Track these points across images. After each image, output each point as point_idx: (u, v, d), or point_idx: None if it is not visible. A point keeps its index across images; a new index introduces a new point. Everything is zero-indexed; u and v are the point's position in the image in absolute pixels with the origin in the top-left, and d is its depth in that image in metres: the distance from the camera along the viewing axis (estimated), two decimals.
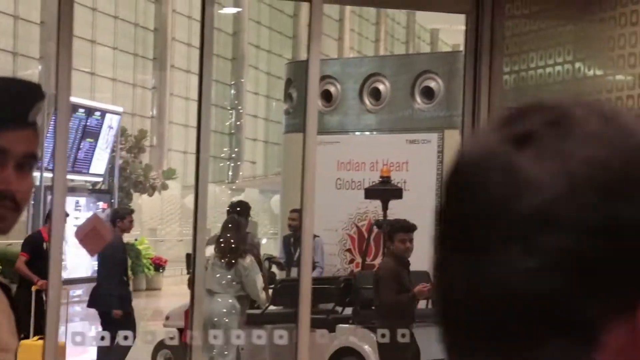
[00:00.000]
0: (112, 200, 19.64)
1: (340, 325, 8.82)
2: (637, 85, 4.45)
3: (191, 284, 4.83)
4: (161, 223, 27.98)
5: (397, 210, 9.85)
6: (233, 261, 8.36)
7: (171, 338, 5.17)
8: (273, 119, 36.46)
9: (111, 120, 19.30)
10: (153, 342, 8.69)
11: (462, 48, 6.48)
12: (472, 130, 5.57)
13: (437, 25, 41.75)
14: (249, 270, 8.35)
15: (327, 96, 11.27)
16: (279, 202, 12.96)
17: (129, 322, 9.28)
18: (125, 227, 9.86)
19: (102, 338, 5.88)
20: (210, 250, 8.26)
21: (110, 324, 8.81)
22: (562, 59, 4.98)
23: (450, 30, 35.35)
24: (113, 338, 6.29)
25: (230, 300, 8.33)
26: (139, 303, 19.43)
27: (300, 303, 4.96)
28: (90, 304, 9.88)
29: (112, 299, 9.44)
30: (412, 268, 9.04)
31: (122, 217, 9.89)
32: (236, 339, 7.09)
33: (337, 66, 11.80)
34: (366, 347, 8.65)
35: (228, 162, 34.39)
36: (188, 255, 10.22)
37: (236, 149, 34.83)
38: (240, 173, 34.91)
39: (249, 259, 8.45)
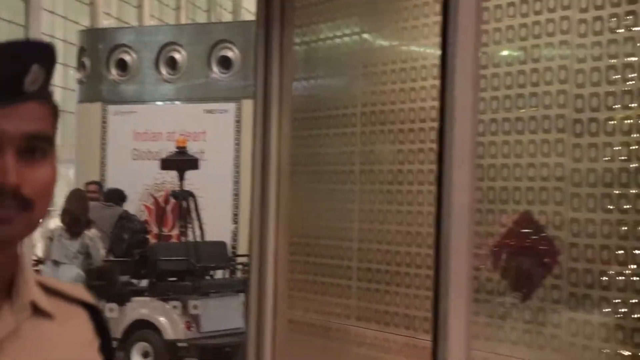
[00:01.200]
0: None
1: (136, 297, 8.70)
2: (420, 57, 4.59)
3: None
4: None
5: (194, 180, 9.80)
6: (78, 232, 8.48)
7: None
8: (70, 88, 35.36)
9: None
10: None
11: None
12: (263, 101, 5.59)
13: None
14: (94, 242, 8.58)
15: (122, 65, 11.04)
16: (74, 172, 12.60)
17: None
18: None
19: None
20: (55, 222, 8.54)
21: None
22: (350, 31, 5.08)
23: None
24: None
25: (76, 271, 8.45)
26: None
27: None
28: None
29: None
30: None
31: None
32: None
33: (133, 35, 11.57)
34: (161, 318, 8.58)
35: None
36: None
37: None
38: None
39: (93, 231, 8.65)
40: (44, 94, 1.26)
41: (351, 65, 4.90)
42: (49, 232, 8.89)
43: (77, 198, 8.89)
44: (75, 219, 8.63)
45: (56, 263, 8.55)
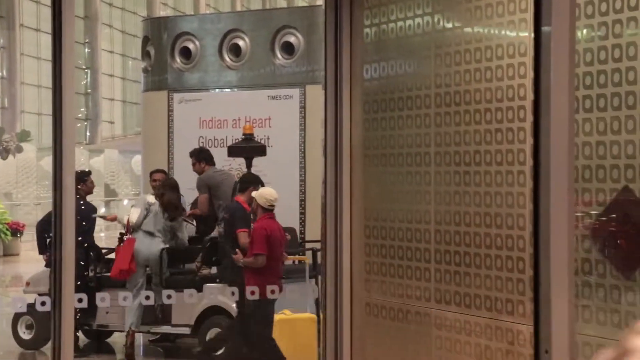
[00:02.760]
0: None
1: (208, 284, 8.76)
2: (494, 36, 4.53)
3: (57, 249, 4.62)
4: (16, 187, 27.13)
5: (261, 166, 9.83)
6: (174, 217, 9.31)
7: (42, 303, 5.02)
8: (130, 78, 35.70)
9: None
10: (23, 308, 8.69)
11: (319, 2, 6.46)
12: (334, 86, 5.58)
13: None
14: (181, 225, 9.50)
15: (186, 53, 11.10)
16: (141, 161, 12.71)
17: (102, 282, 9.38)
18: (88, 188, 9.93)
19: (80, 300, 5.67)
20: (151, 198, 9.30)
21: (86, 286, 9.01)
22: (421, 11, 5.02)
23: None
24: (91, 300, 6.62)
25: (162, 245, 9.23)
26: None
27: (64, 266, 4.65)
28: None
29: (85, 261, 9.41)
30: None
31: (84, 180, 9.84)
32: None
33: (195, 22, 11.61)
34: (234, 305, 8.64)
35: (85, 123, 33.59)
36: (41, 222, 9.98)
37: (93, 109, 34.04)
38: (98, 134, 34.14)
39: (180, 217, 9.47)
40: None
41: (423, 46, 4.85)
42: (147, 204, 9.33)
43: (170, 188, 9.36)
44: (170, 205, 9.20)
45: (149, 234, 9.16)
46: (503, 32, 4.39)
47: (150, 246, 9.20)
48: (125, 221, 9.51)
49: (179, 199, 9.43)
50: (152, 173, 10.07)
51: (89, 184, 10.06)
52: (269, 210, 7.93)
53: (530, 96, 3.95)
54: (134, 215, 9.31)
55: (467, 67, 4.58)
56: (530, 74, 3.98)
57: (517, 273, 3.89)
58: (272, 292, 7.27)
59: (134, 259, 9.07)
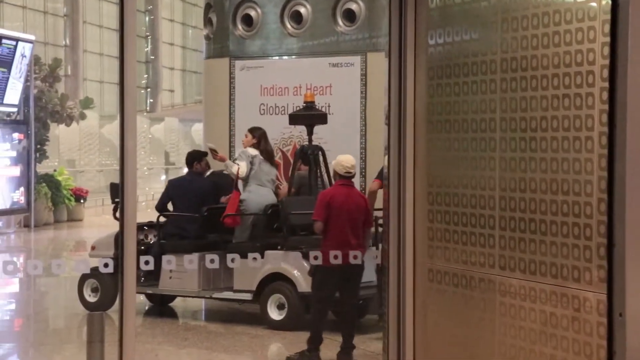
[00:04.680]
0: (29, 132, 19.20)
1: (269, 251, 8.82)
2: (563, 1, 4.45)
3: (120, 212, 4.70)
4: (79, 154, 27.54)
5: (322, 134, 9.84)
6: (274, 165, 9.73)
7: (105, 265, 5.08)
8: (190, 47, 35.89)
9: (24, 49, 18.76)
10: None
11: None
12: (398, 52, 5.55)
13: None
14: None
15: (247, 20, 11.13)
16: (202, 128, 12.81)
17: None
18: (203, 168, 10.07)
19: (147, 262, 5.69)
20: (252, 150, 9.49)
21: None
22: None
23: None
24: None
25: (273, 196, 9.59)
26: (61, 234, 19.22)
27: (126, 229, 4.65)
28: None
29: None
30: None
31: (199, 159, 10.03)
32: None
33: None
34: (296, 272, 8.70)
35: (145, 91, 33.89)
36: (113, 185, 10.09)
37: (153, 78, 34.32)
38: (158, 102, 34.45)
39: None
40: None
41: (490, 11, 4.79)
42: (250, 157, 9.47)
43: (266, 139, 9.57)
44: (269, 153, 9.56)
45: (260, 185, 9.45)
46: None
47: (267, 197, 9.45)
48: (234, 170, 9.48)
49: (272, 149, 9.84)
50: (251, 130, 9.94)
51: (203, 164, 10.14)
52: (345, 177, 7.84)
53: (600, 61, 3.89)
54: (243, 167, 9.41)
55: (534, 32, 4.52)
56: (600, 38, 3.91)
57: (584, 240, 3.86)
58: (335, 257, 7.20)
59: (238, 211, 9.26)
